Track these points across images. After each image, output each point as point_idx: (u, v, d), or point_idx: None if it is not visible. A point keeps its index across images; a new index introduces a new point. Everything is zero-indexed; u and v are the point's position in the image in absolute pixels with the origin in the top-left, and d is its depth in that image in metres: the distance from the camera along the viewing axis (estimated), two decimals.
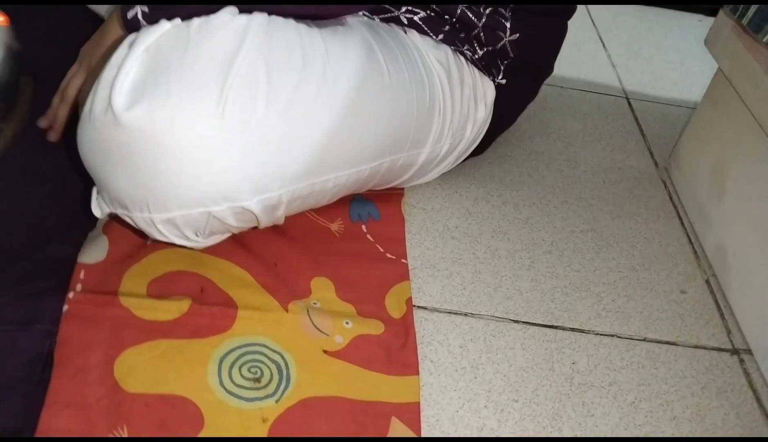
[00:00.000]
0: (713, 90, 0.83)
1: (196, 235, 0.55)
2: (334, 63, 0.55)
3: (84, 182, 0.63)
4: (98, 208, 0.55)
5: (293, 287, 0.62)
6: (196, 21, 0.51)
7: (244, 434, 0.51)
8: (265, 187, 0.53)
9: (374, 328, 0.60)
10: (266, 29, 0.52)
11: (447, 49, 0.69)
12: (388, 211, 0.73)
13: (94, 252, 0.61)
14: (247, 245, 0.64)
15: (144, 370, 0.53)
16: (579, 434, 0.57)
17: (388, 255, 0.68)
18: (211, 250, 0.62)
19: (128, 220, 0.54)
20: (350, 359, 0.57)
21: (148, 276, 0.60)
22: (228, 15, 0.51)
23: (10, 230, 0.61)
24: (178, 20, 0.51)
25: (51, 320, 0.55)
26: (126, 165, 0.49)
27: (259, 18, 0.52)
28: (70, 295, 0.57)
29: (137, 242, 0.63)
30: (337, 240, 0.69)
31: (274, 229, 0.64)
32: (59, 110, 0.64)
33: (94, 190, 0.56)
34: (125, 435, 0.49)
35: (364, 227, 0.71)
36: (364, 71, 0.58)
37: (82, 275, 0.59)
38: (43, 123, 0.66)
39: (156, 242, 0.62)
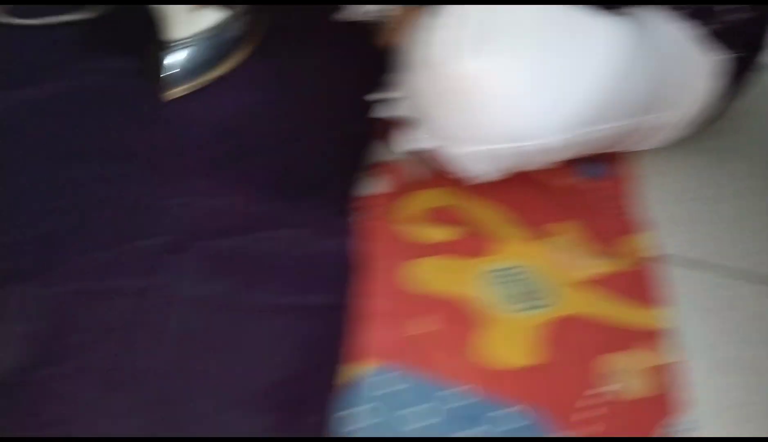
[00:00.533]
0: None
1: (489, 166, 0.67)
2: (608, 27, 0.66)
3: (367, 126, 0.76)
4: (404, 144, 0.69)
5: (544, 227, 0.70)
6: None
7: (513, 338, 0.60)
8: (556, 130, 0.64)
9: (620, 266, 0.67)
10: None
11: (683, 24, 0.73)
12: (621, 171, 0.79)
13: (374, 186, 0.74)
14: (505, 186, 0.73)
15: (423, 279, 0.64)
16: None
17: (625, 210, 0.74)
18: (475, 190, 0.72)
19: (432, 155, 0.67)
20: (602, 290, 0.65)
21: (422, 207, 0.71)
22: None
23: (307, 164, 0.76)
24: None
25: (341, 239, 0.68)
26: (453, 106, 0.63)
27: None
28: (354, 220, 0.69)
29: (410, 180, 0.75)
30: (578, 192, 0.75)
31: (526, 175, 0.72)
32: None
33: (404, 130, 0.69)
34: (417, 325, 0.60)
35: (600, 182, 0.77)
36: (627, 36, 0.67)
37: (363, 203, 0.71)
38: None
39: (425, 181, 0.73)
